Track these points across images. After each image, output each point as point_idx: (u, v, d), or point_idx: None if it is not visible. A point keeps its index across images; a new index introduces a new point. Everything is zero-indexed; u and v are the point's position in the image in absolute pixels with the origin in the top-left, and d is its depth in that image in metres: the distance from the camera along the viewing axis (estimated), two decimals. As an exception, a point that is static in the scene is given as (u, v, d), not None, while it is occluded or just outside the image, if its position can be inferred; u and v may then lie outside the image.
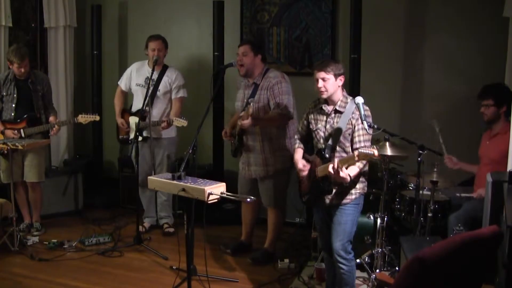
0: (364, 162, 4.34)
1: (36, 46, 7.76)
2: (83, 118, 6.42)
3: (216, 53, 7.05)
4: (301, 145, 4.75)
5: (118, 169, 7.73)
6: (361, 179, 4.51)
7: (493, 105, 5.41)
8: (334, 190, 4.43)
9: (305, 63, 7.18)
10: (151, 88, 6.40)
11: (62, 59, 7.76)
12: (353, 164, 4.23)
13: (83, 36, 8.27)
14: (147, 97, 6.23)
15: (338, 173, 4.15)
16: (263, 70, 5.74)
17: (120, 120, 6.67)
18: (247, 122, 5.39)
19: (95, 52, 7.79)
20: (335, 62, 4.52)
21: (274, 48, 7.31)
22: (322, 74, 4.39)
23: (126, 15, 8.13)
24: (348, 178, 4.21)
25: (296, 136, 4.86)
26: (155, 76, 6.44)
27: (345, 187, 4.42)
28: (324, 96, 4.45)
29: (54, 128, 6.40)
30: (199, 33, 7.69)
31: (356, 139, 4.38)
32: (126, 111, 6.70)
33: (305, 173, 4.57)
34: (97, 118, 6.52)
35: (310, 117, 4.65)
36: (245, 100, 5.68)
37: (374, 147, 4.29)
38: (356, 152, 4.08)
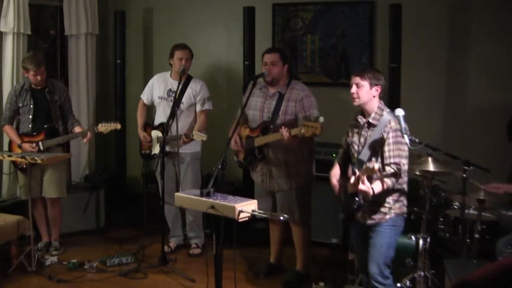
0: (393, 179, 4.30)
1: (56, 55, 7.85)
2: (103, 127, 6.45)
3: (246, 62, 7.07)
4: (340, 160, 4.76)
5: (142, 185, 7.69)
6: (398, 197, 4.49)
7: None
8: (361, 207, 4.38)
9: (341, 73, 7.16)
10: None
11: (84, 69, 7.80)
12: (370, 174, 4.13)
13: (106, 44, 8.35)
14: (175, 110, 6.24)
15: (358, 184, 4.13)
16: (286, 80, 5.78)
17: (142, 134, 6.71)
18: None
19: (118, 61, 7.83)
20: (375, 70, 4.58)
21: (308, 57, 7.30)
22: (357, 80, 4.45)
23: (151, 22, 8.20)
24: (371, 191, 4.18)
25: (340, 150, 4.87)
26: (179, 87, 6.47)
27: (376, 204, 4.43)
28: (355, 103, 4.48)
29: (88, 135, 6.42)
30: (228, 41, 7.72)
31: (386, 154, 4.35)
32: (149, 125, 6.72)
33: (337, 189, 4.57)
34: (118, 126, 6.54)
35: (348, 129, 4.68)
36: (266, 111, 5.70)
37: (375, 161, 4.29)
38: (364, 166, 4.10)
